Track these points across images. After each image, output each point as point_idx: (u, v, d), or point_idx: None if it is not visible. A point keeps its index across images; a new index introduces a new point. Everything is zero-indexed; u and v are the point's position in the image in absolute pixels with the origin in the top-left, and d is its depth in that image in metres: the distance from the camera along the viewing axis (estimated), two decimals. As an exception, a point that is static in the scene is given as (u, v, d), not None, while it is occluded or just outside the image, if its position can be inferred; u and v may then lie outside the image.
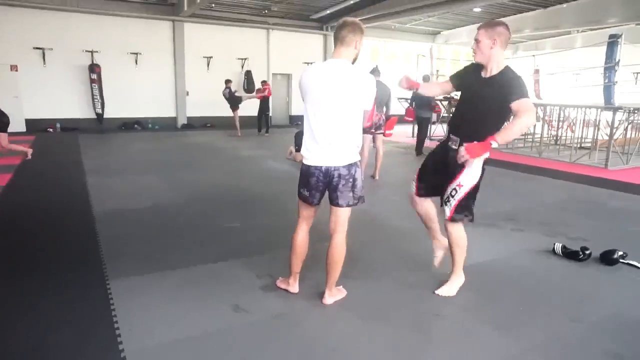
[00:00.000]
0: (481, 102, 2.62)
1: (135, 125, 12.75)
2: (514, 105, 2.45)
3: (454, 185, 2.69)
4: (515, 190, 6.08)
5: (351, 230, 4.08)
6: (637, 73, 12.97)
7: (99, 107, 12.04)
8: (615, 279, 3.23)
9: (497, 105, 2.54)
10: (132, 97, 12.75)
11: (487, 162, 2.70)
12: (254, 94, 12.39)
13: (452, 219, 2.75)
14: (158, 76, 13.06)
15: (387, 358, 2.22)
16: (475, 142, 2.49)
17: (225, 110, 13.35)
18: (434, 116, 12.85)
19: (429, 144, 10.00)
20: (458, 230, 2.81)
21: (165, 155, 8.47)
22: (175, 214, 4.60)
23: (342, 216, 2.63)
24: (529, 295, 2.93)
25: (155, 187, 5.75)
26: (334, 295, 2.77)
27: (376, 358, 2.22)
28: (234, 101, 11.77)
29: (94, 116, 12.13)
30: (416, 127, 9.62)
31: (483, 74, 2.64)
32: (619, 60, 8.27)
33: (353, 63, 2.55)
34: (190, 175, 6.60)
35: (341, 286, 2.86)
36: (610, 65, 8.33)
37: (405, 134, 12.19)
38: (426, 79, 9.13)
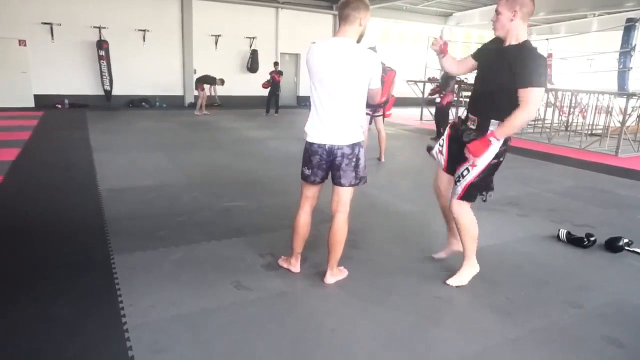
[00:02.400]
0: (494, 74, 2.50)
1: (143, 103, 12.75)
2: (521, 92, 2.35)
3: (467, 164, 2.60)
4: (522, 176, 6.02)
5: (354, 212, 4.08)
6: (654, 59, 12.66)
7: (108, 84, 12.04)
8: (618, 266, 3.21)
9: (507, 78, 2.40)
10: (139, 74, 12.72)
11: (507, 146, 2.60)
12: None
13: (462, 198, 2.66)
14: (166, 54, 12.99)
15: (386, 339, 2.24)
16: (476, 141, 2.48)
17: (233, 90, 13.33)
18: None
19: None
20: (466, 214, 2.69)
21: (172, 134, 8.48)
22: (180, 192, 4.63)
23: (344, 196, 2.62)
24: (530, 281, 2.92)
25: (161, 166, 5.77)
26: (335, 275, 2.78)
27: (375, 339, 2.24)
28: (202, 79, 11.54)
29: (102, 93, 12.13)
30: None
31: (500, 46, 2.52)
32: (635, 45, 8.07)
33: (359, 41, 2.50)
34: (196, 154, 6.61)
35: (342, 267, 2.87)
36: (626, 50, 8.15)
37: (413, 117, 12.09)
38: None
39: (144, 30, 12.46)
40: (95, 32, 11.82)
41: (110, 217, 3.77)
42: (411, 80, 12.08)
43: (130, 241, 3.27)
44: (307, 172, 2.65)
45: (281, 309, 2.47)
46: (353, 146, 2.54)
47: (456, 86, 10.55)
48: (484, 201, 2.73)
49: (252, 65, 13.66)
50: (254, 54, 13.72)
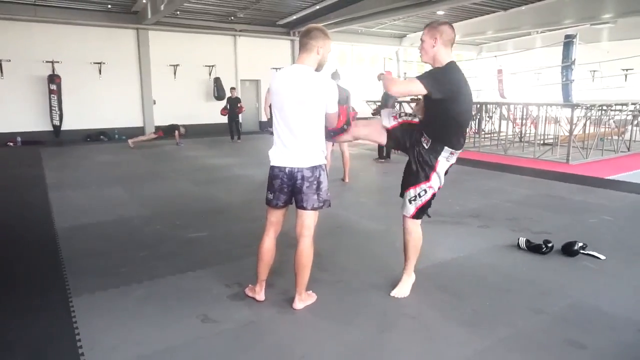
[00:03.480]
0: (432, 101, 2.60)
1: (101, 136, 12.43)
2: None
3: (425, 185, 2.69)
4: (482, 188, 6.22)
5: (321, 234, 4.08)
6: (594, 71, 13.50)
7: (57, 118, 11.64)
8: (575, 269, 3.34)
9: (431, 101, 2.54)
10: (96, 107, 12.43)
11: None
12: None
13: (416, 217, 2.78)
14: (123, 85, 12.78)
15: (357, 361, 2.23)
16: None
17: (194, 118, 13.24)
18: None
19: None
20: (418, 229, 2.83)
21: (132, 166, 8.29)
22: (141, 226, 4.50)
23: (307, 220, 2.63)
24: (494, 291, 2.99)
25: (121, 200, 5.61)
26: (304, 300, 2.75)
27: (345, 361, 2.22)
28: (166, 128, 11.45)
29: (51, 128, 11.74)
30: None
31: None
32: (574, 59, 8.59)
33: (320, 69, 2.59)
34: (157, 185, 6.47)
35: (311, 291, 2.85)
36: (567, 64, 8.64)
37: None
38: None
39: (100, 63, 12.25)
40: (48, 66, 11.52)
41: (68, 256, 3.61)
42: (370, 101, 12.36)
43: (89, 280, 3.14)
44: (270, 196, 2.66)
45: (250, 340, 2.42)
46: (313, 169, 2.57)
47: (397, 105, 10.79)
48: (429, 217, 2.86)
49: (219, 93, 13.63)
50: (217, 81, 13.71)
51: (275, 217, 2.73)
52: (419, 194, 2.71)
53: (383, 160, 8.57)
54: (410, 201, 2.75)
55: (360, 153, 9.63)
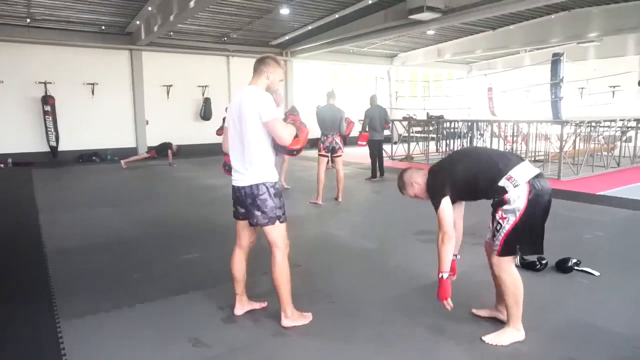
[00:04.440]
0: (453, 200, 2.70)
1: (94, 157, 12.37)
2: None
3: (497, 217, 2.56)
4: (476, 205, 6.19)
5: (314, 253, 4.07)
6: (582, 88, 13.74)
7: (53, 139, 11.63)
8: (570, 286, 3.34)
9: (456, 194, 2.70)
10: (89, 128, 12.41)
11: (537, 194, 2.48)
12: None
13: (501, 254, 2.54)
14: (116, 106, 12.79)
15: (352, 383, 2.18)
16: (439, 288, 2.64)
17: (186, 139, 13.25)
18: (396, 136, 13.17)
19: (390, 164, 10.20)
20: (508, 273, 2.54)
21: (124, 188, 8.24)
22: (133, 248, 4.45)
23: (269, 235, 2.71)
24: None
25: (112, 222, 5.55)
26: (291, 318, 2.73)
27: (340, 384, 2.18)
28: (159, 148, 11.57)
29: (48, 149, 11.69)
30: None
31: None
32: (563, 76, 8.74)
33: (270, 92, 2.69)
34: (149, 207, 6.43)
35: (309, 313, 2.82)
36: (556, 82, 8.78)
37: (367, 155, 12.36)
38: (373, 100, 9.05)
39: (93, 84, 12.28)
40: (40, 87, 11.53)
41: (58, 279, 3.55)
42: (362, 119, 12.46)
43: (79, 304, 3.08)
44: (234, 208, 2.83)
45: (243, 363, 2.37)
46: (253, 187, 2.64)
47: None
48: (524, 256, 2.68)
49: (206, 113, 13.69)
50: (206, 102, 13.77)
51: (240, 228, 2.85)
52: (496, 228, 2.55)
53: (376, 179, 8.58)
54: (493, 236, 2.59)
55: (354, 172, 9.65)
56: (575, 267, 3.57)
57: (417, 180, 2.76)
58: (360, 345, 2.53)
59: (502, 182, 2.47)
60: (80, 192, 7.76)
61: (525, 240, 2.51)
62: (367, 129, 8.61)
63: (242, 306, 2.92)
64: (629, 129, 10.63)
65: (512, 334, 2.54)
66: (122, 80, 12.83)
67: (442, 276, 2.57)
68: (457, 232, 2.74)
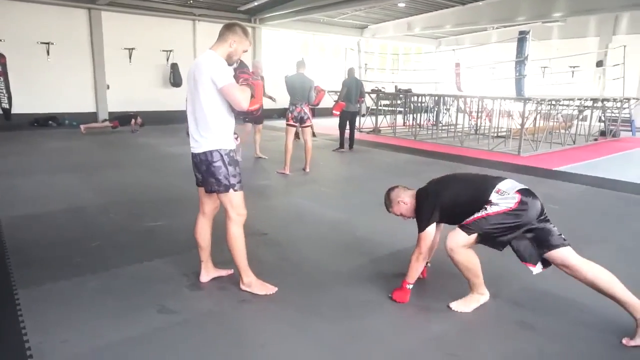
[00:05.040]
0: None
1: (50, 122, 11.77)
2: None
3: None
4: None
5: (282, 223, 4.08)
6: (545, 67, 14.11)
7: (6, 101, 10.93)
8: (526, 256, 3.50)
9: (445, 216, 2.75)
10: (45, 90, 11.74)
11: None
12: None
13: (462, 228, 2.58)
14: (74, 68, 12.12)
15: (316, 351, 2.24)
16: (397, 290, 2.74)
17: (151, 105, 12.80)
18: (364, 109, 13.20)
19: (360, 136, 10.24)
20: (459, 253, 2.59)
21: (85, 154, 7.92)
22: (95, 215, 4.32)
23: (222, 202, 2.71)
24: (452, 277, 3.07)
25: (73, 188, 5.36)
26: (248, 286, 2.76)
27: (305, 352, 2.23)
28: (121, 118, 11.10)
29: (0, 112, 11.03)
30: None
31: None
32: (527, 55, 8.93)
33: (230, 61, 2.62)
34: (112, 174, 6.23)
35: (274, 287, 2.81)
36: (520, 60, 8.97)
37: (335, 127, 12.36)
38: (352, 72, 9.13)
39: (48, 43, 11.56)
40: (-11, 45, 10.76)
41: (13, 247, 3.42)
42: (332, 91, 12.39)
43: (38, 272, 2.99)
44: (195, 176, 2.80)
45: (209, 329, 2.39)
46: (207, 154, 2.61)
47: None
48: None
49: (175, 79, 13.21)
50: (174, 67, 13.27)
51: (202, 195, 2.82)
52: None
53: (343, 149, 8.64)
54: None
55: (323, 143, 9.64)
56: (531, 238, 3.73)
57: (404, 200, 2.83)
58: (325, 314, 2.58)
59: (492, 197, 2.52)
60: (37, 157, 7.41)
61: (491, 234, 2.51)
62: (343, 99, 8.61)
63: (208, 273, 2.92)
64: (586, 108, 11.06)
65: (476, 299, 2.69)
66: (80, 41, 12.13)
67: (408, 287, 2.69)
68: (433, 242, 2.83)
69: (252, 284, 2.77)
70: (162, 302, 2.63)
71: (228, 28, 2.61)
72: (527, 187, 2.58)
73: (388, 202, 2.92)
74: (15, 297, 2.64)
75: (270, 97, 6.88)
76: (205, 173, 2.65)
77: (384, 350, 2.24)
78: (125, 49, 12.77)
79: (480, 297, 2.71)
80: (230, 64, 2.61)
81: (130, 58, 12.88)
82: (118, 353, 2.15)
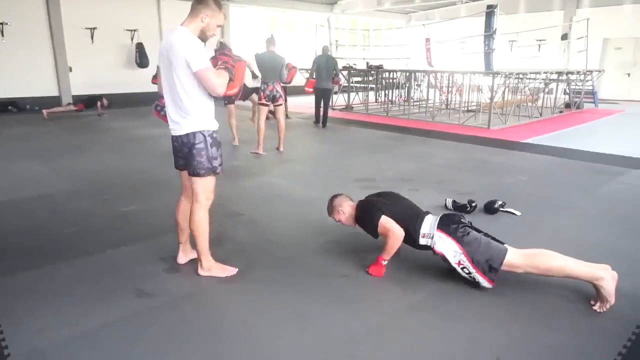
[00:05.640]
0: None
1: (10, 107, 11.27)
2: None
3: (456, 267, 2.70)
4: (411, 153, 6.47)
5: (257, 202, 4.08)
6: (512, 41, 14.30)
7: (-40, 86, 10.41)
8: (496, 225, 3.62)
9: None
10: (2, 74, 11.18)
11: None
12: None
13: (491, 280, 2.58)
14: (33, 50, 11.54)
15: (296, 324, 2.29)
16: (373, 265, 2.80)
17: (116, 87, 12.41)
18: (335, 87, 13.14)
19: (332, 114, 10.23)
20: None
21: (49, 139, 7.64)
22: (64, 202, 4.22)
23: (194, 185, 2.63)
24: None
25: (39, 175, 5.19)
26: (207, 270, 2.73)
27: (285, 325, 2.28)
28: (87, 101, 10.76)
29: (-46, 98, 10.49)
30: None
31: None
32: (495, 29, 9.02)
33: (203, 37, 2.49)
34: (80, 159, 6.05)
35: (235, 268, 2.79)
36: (489, 34, 9.06)
37: (308, 105, 12.30)
38: (325, 49, 9.12)
39: (2, 24, 10.96)
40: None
41: (-20, 238, 3.31)
42: (303, 69, 12.26)
43: (7, 261, 2.92)
44: (174, 159, 2.73)
45: (189, 311, 2.40)
46: (189, 135, 2.54)
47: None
48: None
49: (141, 60, 12.76)
50: (139, 47, 12.80)
51: (184, 179, 2.78)
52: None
53: (318, 124, 8.72)
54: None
55: (296, 122, 9.59)
56: (501, 209, 3.87)
57: (344, 209, 2.96)
58: (303, 289, 2.63)
59: (422, 241, 2.72)
60: (-3, 145, 7.11)
61: (485, 252, 2.59)
62: (314, 76, 8.59)
63: (186, 255, 2.91)
64: (551, 81, 11.33)
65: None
66: (37, 20, 11.52)
67: (383, 262, 2.77)
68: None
69: (212, 267, 2.74)
70: (140, 285, 2.62)
71: (199, 1, 2.46)
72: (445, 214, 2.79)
73: (330, 209, 3.04)
74: (-14, 288, 2.58)
75: (253, 72, 6.67)
76: (187, 155, 2.56)
77: (363, 318, 2.31)
78: (87, 28, 12.23)
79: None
80: (204, 40, 2.48)
81: (92, 38, 12.37)
82: (96, 339, 2.14)
